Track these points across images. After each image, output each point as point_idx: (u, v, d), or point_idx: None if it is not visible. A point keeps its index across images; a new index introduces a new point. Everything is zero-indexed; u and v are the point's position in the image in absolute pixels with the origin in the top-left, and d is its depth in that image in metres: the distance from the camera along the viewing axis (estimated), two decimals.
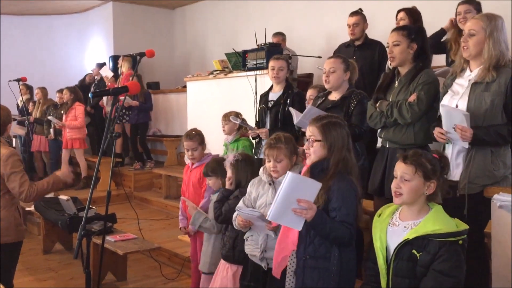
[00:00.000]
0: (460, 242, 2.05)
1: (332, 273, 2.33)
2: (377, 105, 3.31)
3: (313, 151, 2.46)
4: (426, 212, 2.16)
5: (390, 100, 3.28)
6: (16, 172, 3.26)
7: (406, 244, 2.11)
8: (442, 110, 2.79)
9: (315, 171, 2.43)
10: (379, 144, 3.58)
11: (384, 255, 2.20)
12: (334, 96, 3.68)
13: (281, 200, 2.18)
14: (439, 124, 2.85)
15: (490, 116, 2.69)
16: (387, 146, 3.35)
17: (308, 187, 2.21)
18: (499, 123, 2.69)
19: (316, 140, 2.44)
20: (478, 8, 3.95)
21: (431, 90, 3.15)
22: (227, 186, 3.26)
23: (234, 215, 2.96)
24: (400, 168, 2.18)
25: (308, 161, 2.51)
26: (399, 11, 4.47)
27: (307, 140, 2.51)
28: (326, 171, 2.39)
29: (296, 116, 3.62)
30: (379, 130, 3.41)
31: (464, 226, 2.10)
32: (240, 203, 3.02)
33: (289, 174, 2.18)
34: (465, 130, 2.64)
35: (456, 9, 4.07)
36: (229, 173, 3.25)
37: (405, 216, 2.21)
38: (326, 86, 3.69)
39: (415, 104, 3.10)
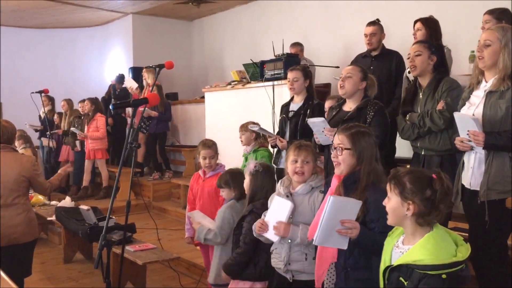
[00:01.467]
0: (444, 276, 1.82)
1: (375, 282, 2.29)
2: (407, 118, 3.47)
3: (342, 159, 2.46)
4: (421, 237, 1.96)
5: (419, 111, 3.43)
6: (41, 173, 3.97)
7: (394, 270, 1.98)
8: (455, 117, 2.86)
9: (348, 183, 2.44)
10: (402, 154, 3.64)
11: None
12: (348, 107, 3.65)
13: (325, 224, 2.22)
14: (448, 133, 3.02)
15: (506, 122, 2.71)
16: (422, 153, 3.46)
17: (349, 206, 2.25)
18: None
19: (345, 149, 2.45)
20: (499, 17, 3.90)
21: (457, 94, 3.27)
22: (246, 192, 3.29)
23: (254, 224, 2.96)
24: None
25: (337, 171, 2.51)
26: (416, 22, 4.46)
27: (334, 148, 2.52)
28: (358, 183, 2.40)
29: (315, 121, 3.63)
30: (411, 140, 3.54)
31: (461, 256, 1.88)
32: (262, 217, 3.03)
33: (331, 198, 2.22)
34: (477, 134, 2.69)
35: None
36: (246, 180, 3.26)
37: (406, 239, 2.06)
38: (340, 92, 3.67)
39: (445, 110, 3.24)
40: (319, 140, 3.64)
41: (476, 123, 2.69)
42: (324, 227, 2.22)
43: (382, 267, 2.11)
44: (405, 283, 1.91)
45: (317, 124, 3.61)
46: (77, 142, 8.27)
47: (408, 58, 3.53)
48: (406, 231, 2.03)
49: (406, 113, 3.53)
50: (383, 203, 2.08)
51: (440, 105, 3.29)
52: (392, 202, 2.01)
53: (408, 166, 3.73)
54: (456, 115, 2.86)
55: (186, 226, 4.19)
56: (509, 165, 2.70)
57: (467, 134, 2.75)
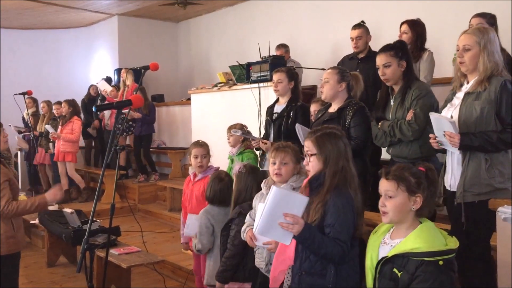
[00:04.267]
0: (441, 262, 1.91)
1: None
2: (379, 125, 3.43)
3: (311, 166, 2.43)
4: (414, 229, 2.05)
5: (390, 118, 3.40)
6: (3, 188, 3.26)
7: (387, 262, 2.01)
8: (431, 118, 2.87)
9: (314, 185, 2.40)
10: (387, 156, 3.63)
11: (373, 274, 2.10)
12: (333, 108, 3.70)
13: (266, 214, 2.15)
14: (418, 142, 3.05)
15: (481, 124, 2.73)
16: (395, 160, 3.42)
17: (295, 201, 2.18)
18: (490, 130, 2.72)
19: (312, 154, 2.42)
20: (491, 21, 3.91)
21: (426, 103, 3.25)
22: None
23: (244, 227, 2.96)
24: (383, 185, 2.08)
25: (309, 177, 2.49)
26: (402, 24, 4.48)
27: (305, 156, 2.50)
28: (323, 185, 2.35)
29: (302, 133, 3.62)
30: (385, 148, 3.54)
31: (452, 245, 1.97)
32: (248, 218, 3.03)
33: (273, 188, 2.16)
34: (452, 136, 2.70)
35: (470, 21, 4.04)
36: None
37: (395, 234, 2.11)
38: (322, 97, 3.76)
39: (413, 122, 3.22)
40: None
41: (452, 125, 2.72)
42: (265, 217, 2.15)
43: (368, 264, 2.12)
44: (399, 274, 1.95)
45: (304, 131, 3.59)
46: (51, 144, 8.09)
47: (378, 69, 3.43)
48: (402, 225, 2.07)
49: (378, 119, 3.50)
50: (380, 205, 2.08)
51: (409, 116, 3.26)
52: (398, 199, 2.03)
53: None
54: (432, 116, 2.86)
55: (181, 231, 4.16)
56: (485, 167, 2.72)
57: (443, 134, 2.76)
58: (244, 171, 3.22)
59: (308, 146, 2.45)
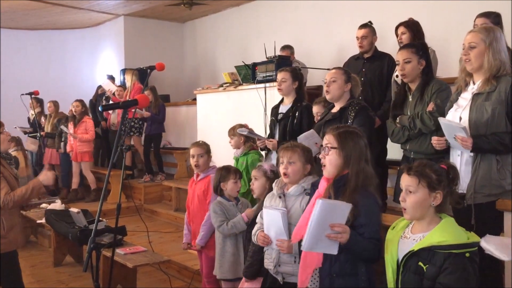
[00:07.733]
0: (467, 254, 1.96)
1: None
2: (397, 121, 3.46)
3: (329, 160, 2.42)
4: (436, 224, 2.09)
5: (408, 113, 3.44)
6: None
7: (412, 256, 2.05)
8: (441, 123, 2.88)
9: (338, 186, 2.39)
10: (393, 156, 3.63)
11: (394, 268, 2.15)
12: (335, 109, 3.71)
13: (314, 229, 2.14)
14: (438, 134, 3.02)
15: (492, 124, 2.73)
16: (411, 156, 3.44)
17: (339, 210, 2.18)
18: (503, 131, 2.71)
19: (332, 148, 2.41)
20: (496, 20, 3.91)
21: (449, 95, 3.28)
22: (256, 195, 3.35)
23: (254, 230, 2.96)
24: (404, 180, 2.12)
25: (325, 172, 2.47)
26: (398, 26, 4.48)
27: (323, 149, 2.48)
28: (347, 185, 2.35)
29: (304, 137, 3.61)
30: (401, 143, 3.55)
31: (475, 239, 2.02)
32: (258, 218, 3.03)
33: (320, 201, 2.14)
34: (465, 140, 2.72)
35: (474, 21, 4.04)
36: (262, 181, 3.30)
37: (416, 229, 2.15)
38: (327, 97, 3.73)
39: (435, 111, 3.24)
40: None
41: (464, 130, 2.71)
42: (312, 232, 2.14)
43: (389, 259, 2.16)
44: (424, 267, 1.99)
45: (308, 136, 3.58)
46: (62, 144, 8.15)
47: (398, 64, 3.50)
48: (424, 221, 2.11)
49: (396, 116, 3.53)
50: (400, 199, 2.13)
51: (430, 107, 3.30)
52: (418, 195, 2.07)
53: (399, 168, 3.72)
54: (441, 121, 2.86)
55: (184, 231, 4.16)
56: (496, 168, 2.72)
57: (454, 138, 2.77)
58: (276, 170, 3.24)
59: (329, 139, 2.44)
